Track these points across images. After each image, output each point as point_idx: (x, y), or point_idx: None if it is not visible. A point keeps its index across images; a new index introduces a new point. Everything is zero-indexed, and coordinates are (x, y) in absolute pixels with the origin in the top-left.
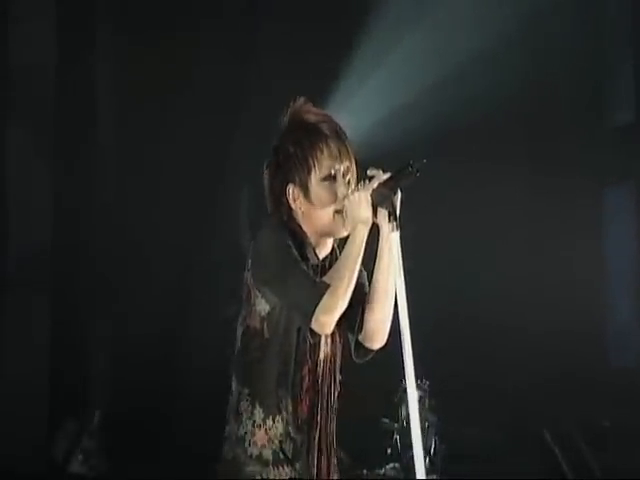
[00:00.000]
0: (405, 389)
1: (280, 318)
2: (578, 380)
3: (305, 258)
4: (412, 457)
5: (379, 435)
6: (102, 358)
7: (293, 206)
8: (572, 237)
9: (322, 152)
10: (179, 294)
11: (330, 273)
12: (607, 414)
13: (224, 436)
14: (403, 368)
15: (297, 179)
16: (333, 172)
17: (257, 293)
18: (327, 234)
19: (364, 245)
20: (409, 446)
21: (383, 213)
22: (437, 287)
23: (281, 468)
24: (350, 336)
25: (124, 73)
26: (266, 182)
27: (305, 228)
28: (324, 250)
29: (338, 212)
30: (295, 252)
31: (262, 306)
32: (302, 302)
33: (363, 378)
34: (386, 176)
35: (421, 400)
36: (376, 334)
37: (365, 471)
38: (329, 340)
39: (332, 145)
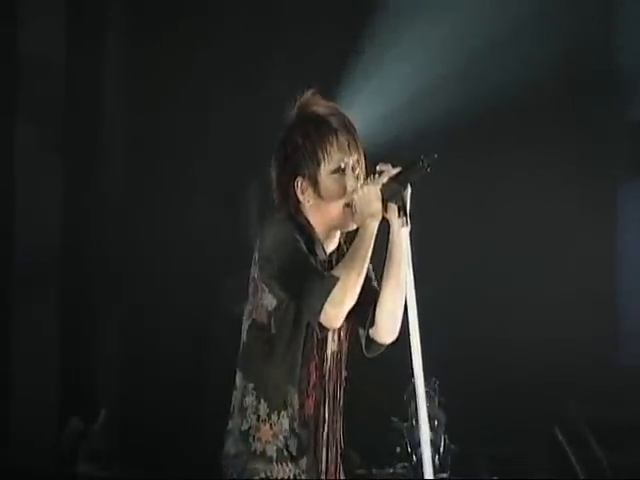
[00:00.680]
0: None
1: (287, 313)
2: (589, 379)
3: (313, 253)
4: (422, 456)
5: (388, 434)
6: (111, 358)
7: (301, 199)
8: (584, 233)
9: (332, 145)
10: (188, 293)
11: (339, 267)
12: (618, 413)
13: (227, 430)
14: (412, 365)
15: (306, 172)
16: (342, 165)
17: (264, 287)
18: (335, 227)
19: (373, 239)
20: (418, 445)
21: (393, 208)
22: (446, 285)
23: (285, 465)
24: (361, 331)
25: (133, 71)
26: (274, 175)
27: (313, 221)
28: (331, 245)
29: (347, 206)
30: (303, 246)
31: (269, 300)
32: (310, 296)
33: (372, 376)
34: (396, 171)
35: (430, 398)
36: (387, 328)
37: (374, 470)
38: (336, 336)
39: (341, 138)
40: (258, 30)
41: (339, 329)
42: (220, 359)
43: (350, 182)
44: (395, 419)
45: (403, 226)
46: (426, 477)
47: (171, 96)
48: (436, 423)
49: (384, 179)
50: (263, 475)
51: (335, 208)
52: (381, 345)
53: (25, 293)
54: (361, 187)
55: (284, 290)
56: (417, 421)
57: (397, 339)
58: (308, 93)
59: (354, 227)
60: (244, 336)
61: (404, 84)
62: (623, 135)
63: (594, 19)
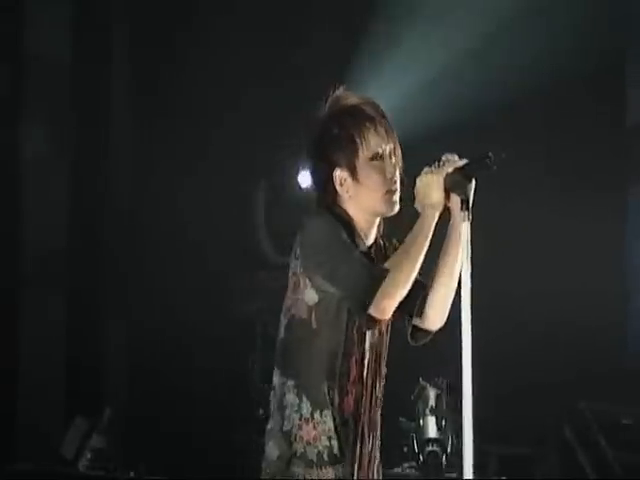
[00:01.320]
0: (423, 387)
1: (329, 308)
2: (599, 378)
3: (354, 244)
4: (429, 455)
5: (396, 434)
6: (118, 357)
7: (340, 191)
8: (593, 235)
9: (368, 130)
10: (195, 293)
11: (394, 256)
12: (628, 413)
13: (267, 431)
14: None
15: (344, 161)
16: (380, 151)
17: (307, 282)
18: (376, 214)
19: (432, 230)
20: (426, 444)
21: (456, 200)
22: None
23: (324, 469)
24: (408, 319)
25: (140, 72)
26: (311, 170)
27: (352, 213)
28: (370, 237)
29: (389, 193)
30: (347, 237)
31: (311, 296)
32: (358, 288)
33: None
34: (462, 162)
35: (439, 398)
36: (437, 316)
37: (381, 470)
38: (376, 330)
39: (378, 125)
40: (263, 30)
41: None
42: (227, 359)
43: (389, 169)
44: (403, 419)
45: (464, 220)
46: (465, 477)
47: (178, 96)
48: (444, 423)
49: (449, 169)
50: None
51: (375, 196)
52: (428, 332)
53: (31, 293)
54: (425, 174)
55: (331, 282)
56: (425, 421)
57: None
58: (339, 89)
59: (394, 212)
60: (282, 332)
61: (406, 81)
62: (632, 139)
63: (601, 22)
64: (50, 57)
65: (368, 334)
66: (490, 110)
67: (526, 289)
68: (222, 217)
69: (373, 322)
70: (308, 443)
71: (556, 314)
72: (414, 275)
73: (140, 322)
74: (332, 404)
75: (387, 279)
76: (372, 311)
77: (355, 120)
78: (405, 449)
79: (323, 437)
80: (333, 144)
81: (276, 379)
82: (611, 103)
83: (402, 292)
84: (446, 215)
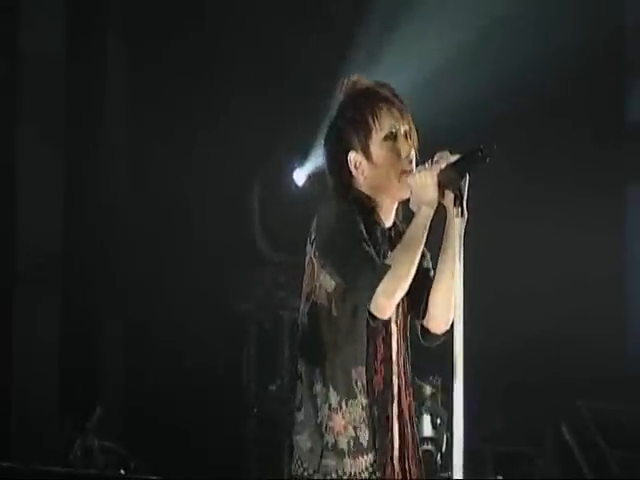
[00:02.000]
0: (418, 385)
1: (347, 293)
2: (597, 377)
3: (373, 223)
4: (424, 454)
5: None
6: (112, 356)
7: (355, 174)
8: (593, 233)
9: (382, 110)
10: (190, 292)
11: (392, 255)
12: (626, 412)
13: (297, 423)
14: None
15: (358, 143)
16: (394, 130)
17: (321, 268)
18: (392, 197)
19: (428, 227)
20: (421, 443)
21: (450, 196)
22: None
23: (357, 459)
24: (415, 320)
25: (135, 69)
26: (326, 155)
27: (370, 195)
28: (389, 219)
29: (404, 172)
30: (361, 226)
31: (328, 282)
32: (361, 284)
33: None
34: (455, 158)
35: (433, 396)
36: (441, 319)
37: None
38: (400, 309)
39: (392, 106)
40: (260, 29)
41: (401, 302)
42: (222, 357)
43: (404, 147)
44: None
45: (458, 216)
46: (455, 477)
47: (173, 95)
48: (438, 421)
49: (442, 165)
50: (334, 475)
51: (391, 177)
52: (435, 336)
53: (26, 292)
54: (418, 172)
55: (337, 274)
56: (419, 420)
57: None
58: (355, 75)
59: (408, 195)
60: (304, 320)
61: (405, 77)
62: (629, 136)
63: (598, 21)
64: (45, 55)
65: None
66: (488, 109)
67: (525, 289)
68: (217, 215)
69: (374, 319)
70: (339, 433)
71: (554, 314)
72: (412, 274)
73: (135, 321)
74: (360, 393)
75: (385, 279)
76: (372, 310)
77: (368, 101)
78: None
79: (353, 425)
80: (346, 127)
81: (301, 368)
82: (609, 104)
83: (400, 292)
84: (440, 213)
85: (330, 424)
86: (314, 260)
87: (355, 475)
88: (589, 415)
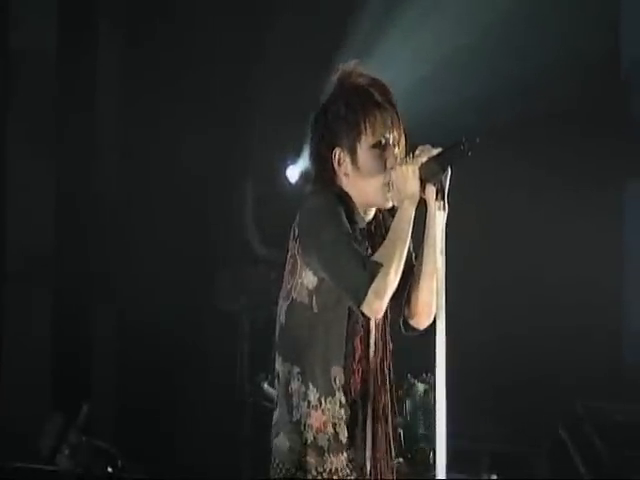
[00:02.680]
0: (411, 383)
1: (330, 291)
2: (593, 377)
3: (352, 222)
4: (417, 452)
5: None
6: (104, 354)
7: (337, 170)
8: (590, 232)
9: (375, 117)
10: (183, 290)
11: (379, 252)
12: (623, 412)
13: (274, 422)
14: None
15: (345, 143)
16: (383, 140)
17: (304, 264)
18: (371, 205)
19: (412, 222)
20: (413, 441)
21: (431, 190)
22: (448, 281)
23: (339, 455)
24: (397, 316)
25: (127, 67)
26: (311, 144)
27: (350, 192)
28: (370, 213)
29: (385, 184)
30: (345, 220)
31: (310, 279)
32: (353, 285)
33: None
34: (436, 151)
35: (427, 394)
36: (423, 314)
37: None
38: None
39: (385, 112)
40: (254, 26)
41: None
42: (216, 354)
43: (390, 159)
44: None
45: (440, 210)
46: (438, 477)
47: (165, 92)
48: (431, 420)
49: (423, 158)
50: (315, 472)
51: (372, 185)
52: (418, 330)
53: (17, 292)
54: (399, 166)
55: (325, 272)
56: (412, 417)
57: (392, 335)
58: (351, 62)
59: (389, 206)
60: (282, 317)
61: (404, 72)
62: (630, 133)
63: (600, 17)
64: (36, 51)
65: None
66: (486, 107)
67: (520, 286)
68: (210, 213)
69: (366, 318)
70: (319, 430)
71: (552, 313)
72: (401, 271)
73: (127, 319)
74: (339, 390)
75: (375, 280)
76: (364, 310)
77: (362, 104)
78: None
79: (332, 423)
80: (337, 123)
81: (279, 366)
82: (609, 98)
83: (391, 290)
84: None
85: (309, 422)
86: (297, 257)
87: (336, 472)
88: (585, 414)
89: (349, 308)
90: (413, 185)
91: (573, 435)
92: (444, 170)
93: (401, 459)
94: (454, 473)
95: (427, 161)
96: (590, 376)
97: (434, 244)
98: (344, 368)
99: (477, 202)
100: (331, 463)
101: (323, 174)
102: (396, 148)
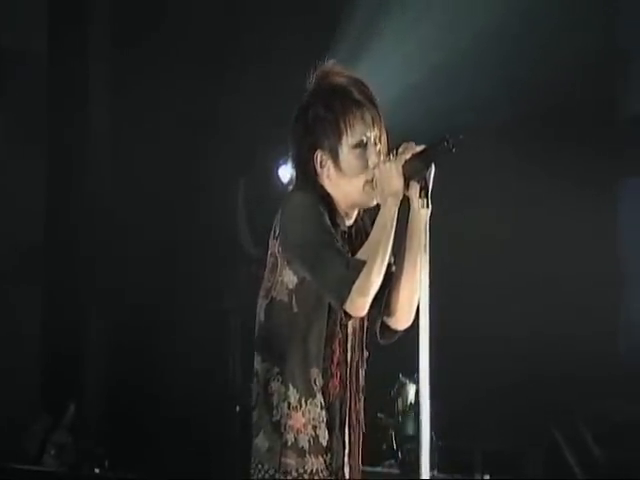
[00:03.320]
0: (402, 383)
1: (309, 291)
2: (587, 376)
3: (334, 224)
4: (408, 452)
5: (374, 430)
6: (94, 354)
7: (320, 173)
8: (586, 229)
9: (355, 117)
10: (174, 290)
11: (362, 251)
12: (616, 411)
13: (254, 422)
14: (417, 356)
15: (326, 144)
16: (364, 139)
17: (285, 264)
18: (355, 204)
19: (395, 220)
20: (405, 441)
21: (415, 187)
22: (441, 278)
23: (317, 458)
24: (375, 317)
25: (118, 66)
26: (292, 146)
27: (332, 194)
28: (352, 216)
29: (368, 182)
30: (327, 219)
31: (290, 278)
32: (335, 283)
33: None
34: (420, 148)
35: (417, 394)
36: (403, 314)
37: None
38: None
39: (365, 111)
40: (246, 27)
41: None
42: (207, 354)
43: (372, 157)
44: (382, 416)
45: (423, 207)
46: (422, 477)
47: (158, 92)
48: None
49: (407, 155)
50: (295, 474)
51: (355, 184)
52: (396, 332)
53: (7, 289)
54: (382, 163)
55: (306, 271)
56: (404, 417)
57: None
58: (329, 62)
59: (374, 204)
60: (262, 316)
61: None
62: (624, 131)
63: (591, 13)
64: (26, 50)
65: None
66: (481, 107)
67: (514, 284)
68: (201, 213)
69: (349, 317)
70: (299, 431)
71: (544, 310)
72: (384, 269)
73: (117, 319)
74: (319, 391)
75: (359, 278)
76: (347, 309)
77: (343, 104)
78: (384, 446)
79: (313, 424)
80: (317, 125)
81: (258, 366)
82: (604, 94)
83: (374, 288)
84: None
85: (290, 422)
86: (277, 255)
87: (317, 473)
88: (579, 414)
89: (329, 309)
90: (397, 182)
91: (567, 435)
92: (428, 167)
93: (392, 460)
94: (448, 473)
95: (410, 158)
96: (585, 376)
97: (417, 242)
98: (323, 370)
99: (474, 202)
100: (312, 464)
101: (305, 176)
102: (378, 145)
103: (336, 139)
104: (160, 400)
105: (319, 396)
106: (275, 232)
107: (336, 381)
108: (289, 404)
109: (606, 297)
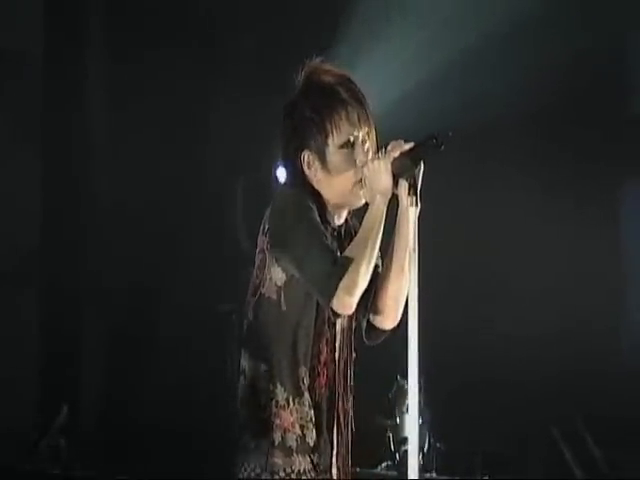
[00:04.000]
0: (400, 385)
1: (298, 288)
2: (587, 377)
3: (324, 221)
4: (406, 454)
5: (372, 432)
6: (90, 356)
7: (307, 173)
8: (587, 233)
9: (341, 117)
10: (172, 291)
11: (350, 249)
12: (616, 411)
13: (240, 423)
14: (406, 356)
15: (313, 145)
16: (352, 139)
17: (273, 260)
18: (344, 204)
19: (384, 218)
20: (403, 443)
21: (403, 185)
22: (442, 279)
23: (304, 457)
24: (362, 317)
25: (113, 64)
26: (281, 146)
27: (322, 193)
28: (342, 215)
29: (357, 182)
30: (316, 216)
31: (278, 275)
32: (323, 280)
33: (356, 373)
34: (408, 146)
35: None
36: (389, 314)
37: (358, 469)
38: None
39: (351, 110)
40: (245, 27)
41: None
42: (206, 356)
43: (359, 157)
44: (379, 417)
45: (412, 205)
46: (410, 477)
47: (154, 92)
48: (420, 421)
49: (395, 153)
50: (282, 473)
51: (344, 184)
52: (382, 332)
53: (2, 291)
54: (371, 161)
55: (294, 267)
56: (402, 419)
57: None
58: (316, 60)
59: (362, 204)
60: (250, 314)
61: (387, 84)
62: (626, 131)
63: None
64: (22, 51)
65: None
66: (482, 108)
67: (514, 285)
68: (200, 213)
69: (336, 315)
70: (287, 430)
71: (544, 311)
72: (371, 268)
73: (115, 320)
74: (307, 389)
75: (347, 274)
76: (334, 306)
77: (328, 104)
78: (382, 448)
79: (300, 424)
80: (303, 126)
81: (245, 363)
82: (607, 97)
83: (362, 287)
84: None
85: (277, 422)
86: (266, 252)
87: (305, 473)
88: (579, 415)
89: (317, 308)
90: (385, 180)
91: (566, 436)
92: (416, 165)
93: (389, 462)
94: (446, 474)
95: (399, 156)
96: (587, 376)
97: (405, 240)
98: (310, 368)
99: (475, 202)
100: (299, 464)
101: (294, 174)
102: (366, 144)
103: (322, 140)
104: (158, 401)
105: (307, 395)
106: (264, 228)
107: (323, 380)
108: (277, 403)
109: (607, 297)
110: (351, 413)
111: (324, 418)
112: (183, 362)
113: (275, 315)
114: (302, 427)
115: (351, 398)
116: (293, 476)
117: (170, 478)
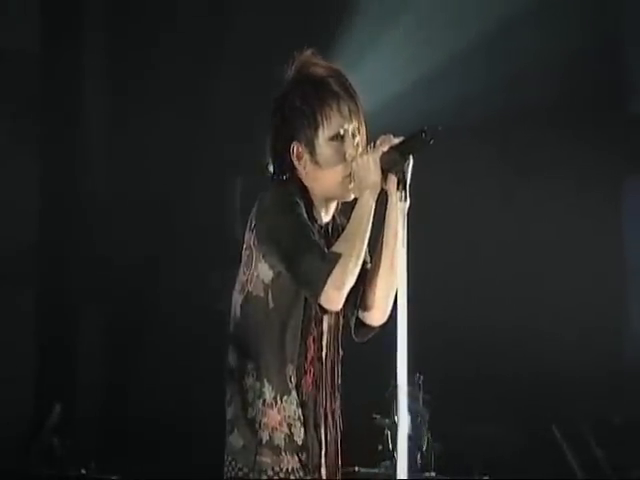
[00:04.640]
0: (397, 384)
1: (285, 285)
2: (589, 376)
3: (311, 218)
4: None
5: (370, 431)
6: (86, 356)
7: (296, 165)
8: (588, 231)
9: (332, 109)
10: (170, 291)
11: (338, 244)
12: (618, 412)
13: (228, 420)
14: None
15: (303, 136)
16: (342, 131)
17: (260, 257)
18: (332, 198)
19: (372, 213)
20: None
21: (393, 180)
22: (441, 277)
23: (295, 456)
24: (350, 313)
25: (111, 62)
26: (269, 139)
27: (309, 188)
28: (327, 215)
29: (347, 177)
30: (303, 211)
31: (265, 272)
32: (310, 276)
33: (354, 372)
34: (398, 140)
35: (413, 394)
36: (378, 310)
37: (356, 468)
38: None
39: (342, 103)
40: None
41: None
42: (200, 355)
43: (349, 150)
44: (377, 416)
45: (401, 200)
46: (399, 477)
47: (153, 92)
48: (419, 420)
49: (384, 147)
50: (271, 472)
51: (333, 177)
52: (371, 328)
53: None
54: (360, 155)
55: (282, 263)
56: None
57: (379, 333)
58: (307, 52)
59: (352, 198)
60: (237, 311)
61: (383, 83)
62: (628, 129)
63: (594, 10)
64: (19, 50)
65: (325, 315)
66: (482, 106)
67: (515, 283)
68: (197, 212)
69: (324, 311)
70: (274, 429)
71: (545, 310)
72: (360, 262)
73: (112, 320)
74: (294, 387)
75: (335, 270)
76: (322, 302)
77: (319, 95)
78: (380, 447)
79: (288, 422)
80: (293, 117)
81: (233, 362)
82: (608, 94)
83: (350, 282)
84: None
85: (264, 420)
86: (253, 248)
87: (293, 472)
88: (580, 415)
89: (304, 305)
90: (374, 175)
91: (568, 436)
92: (406, 159)
93: (387, 461)
94: (446, 474)
95: (388, 150)
96: (586, 377)
97: (394, 235)
98: (297, 367)
99: (476, 201)
100: (287, 463)
101: (282, 168)
102: (356, 137)
103: (312, 131)
104: (154, 401)
105: (294, 393)
106: (251, 225)
107: (310, 379)
108: (264, 401)
109: (608, 297)
110: (339, 412)
111: (312, 416)
112: (179, 362)
113: (262, 312)
114: (290, 426)
115: (339, 396)
116: (281, 475)
117: (165, 478)
